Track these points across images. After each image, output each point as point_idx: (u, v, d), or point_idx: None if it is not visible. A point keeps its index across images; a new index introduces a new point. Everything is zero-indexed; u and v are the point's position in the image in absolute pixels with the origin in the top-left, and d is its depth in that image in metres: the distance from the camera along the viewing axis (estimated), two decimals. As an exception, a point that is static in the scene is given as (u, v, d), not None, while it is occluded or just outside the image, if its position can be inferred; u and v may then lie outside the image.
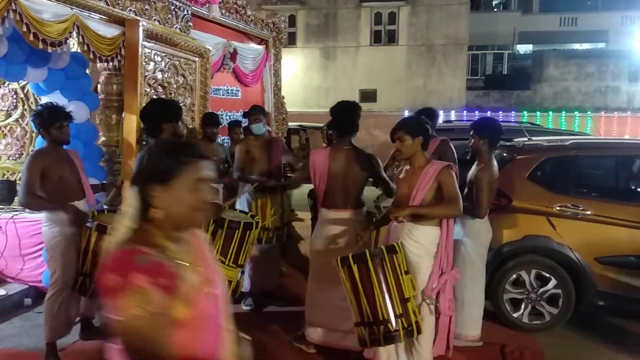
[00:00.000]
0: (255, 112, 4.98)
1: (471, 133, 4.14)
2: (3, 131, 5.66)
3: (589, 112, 18.33)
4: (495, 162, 4.12)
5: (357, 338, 3.23)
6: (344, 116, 3.87)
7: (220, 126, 5.46)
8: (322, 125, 7.99)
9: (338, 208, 3.84)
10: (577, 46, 24.25)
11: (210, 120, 5.00)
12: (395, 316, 3.07)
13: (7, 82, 5.46)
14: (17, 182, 5.18)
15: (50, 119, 3.67)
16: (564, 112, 18.16)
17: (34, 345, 3.99)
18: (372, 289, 3.07)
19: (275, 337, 4.31)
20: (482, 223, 4.08)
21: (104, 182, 4.56)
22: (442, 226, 3.32)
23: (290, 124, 9.05)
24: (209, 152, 4.87)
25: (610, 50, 22.51)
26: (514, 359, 3.99)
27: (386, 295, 3.07)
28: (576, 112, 18.19)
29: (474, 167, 4.13)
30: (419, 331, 3.15)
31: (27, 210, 4.98)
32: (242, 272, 3.69)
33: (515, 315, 4.49)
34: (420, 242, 3.28)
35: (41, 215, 3.84)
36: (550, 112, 18.12)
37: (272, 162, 4.97)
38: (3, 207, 5.13)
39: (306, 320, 3.99)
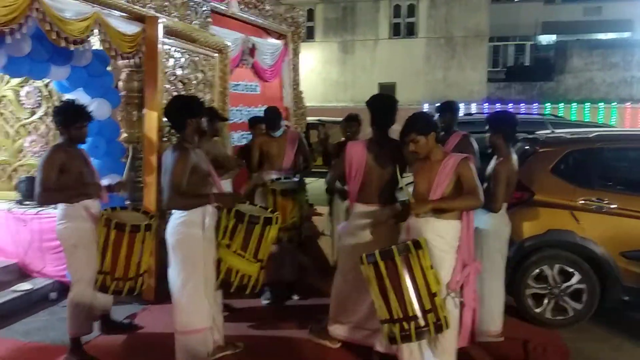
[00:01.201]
0: (277, 119, 5.01)
1: (486, 127, 4.10)
2: (28, 128, 5.76)
3: (613, 103, 17.94)
4: (514, 156, 4.05)
5: (384, 336, 3.21)
6: (383, 110, 3.82)
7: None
8: (341, 119, 7.97)
9: (374, 203, 3.79)
10: (601, 36, 23.72)
11: (215, 114, 4.82)
12: (425, 311, 3.04)
13: (31, 80, 5.55)
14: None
15: (72, 118, 3.68)
16: (588, 104, 17.81)
17: (60, 339, 4.06)
18: (400, 285, 3.04)
19: (295, 330, 4.32)
20: (500, 217, 4.03)
21: (114, 183, 4.56)
22: (463, 219, 3.28)
23: (308, 118, 9.05)
24: (211, 148, 4.87)
25: (635, 39, 21.98)
26: (537, 355, 3.94)
27: (413, 291, 3.05)
28: (600, 104, 17.82)
29: (493, 161, 4.08)
30: (447, 325, 3.12)
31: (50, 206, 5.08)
32: (262, 268, 3.69)
33: (537, 310, 4.43)
34: (443, 237, 3.25)
35: (55, 212, 3.83)
36: (574, 104, 17.79)
37: (287, 155, 4.99)
38: (28, 203, 5.23)
39: (330, 317, 3.98)
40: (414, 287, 3.05)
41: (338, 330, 3.93)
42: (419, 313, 3.04)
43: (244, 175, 5.50)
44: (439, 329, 3.09)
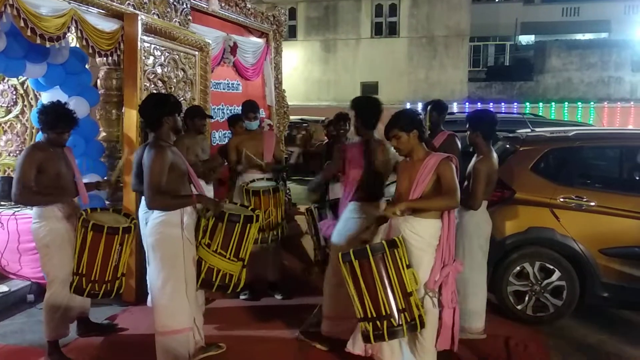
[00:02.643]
0: (252, 111, 5.00)
1: (467, 126, 4.13)
2: (3, 127, 5.64)
3: (591, 103, 18.23)
4: (494, 154, 4.09)
5: (360, 334, 3.21)
6: (373, 111, 3.86)
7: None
8: (323, 118, 7.96)
9: (370, 200, 3.83)
10: (579, 36, 24.13)
11: (199, 112, 4.82)
12: (398, 310, 3.06)
13: (6, 78, 5.43)
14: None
15: (53, 122, 3.65)
16: (566, 103, 18.07)
17: (37, 341, 3.98)
18: (374, 284, 3.05)
19: (278, 329, 4.30)
20: (481, 215, 4.06)
21: (98, 180, 4.50)
22: (444, 218, 3.29)
23: (291, 117, 9.02)
24: (196, 146, 4.85)
25: (613, 40, 22.40)
26: (518, 351, 3.97)
27: (388, 290, 3.06)
28: (579, 103, 18.09)
29: (473, 159, 4.11)
30: (422, 325, 3.13)
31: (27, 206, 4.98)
32: (244, 266, 3.66)
33: (519, 307, 4.47)
34: (421, 235, 3.25)
35: (31, 212, 3.78)
36: (553, 103, 18.05)
37: (265, 155, 4.96)
38: (4, 203, 5.12)
39: (325, 316, 3.93)
40: (389, 286, 3.07)
41: (330, 326, 3.87)
42: (393, 312, 3.05)
43: (224, 176, 5.46)
44: (412, 328, 3.10)
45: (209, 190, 4.64)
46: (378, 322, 3.06)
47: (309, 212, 4.57)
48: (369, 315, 3.08)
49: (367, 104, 3.92)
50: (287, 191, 7.66)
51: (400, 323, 3.05)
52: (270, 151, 5.04)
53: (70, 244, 3.63)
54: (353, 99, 4.04)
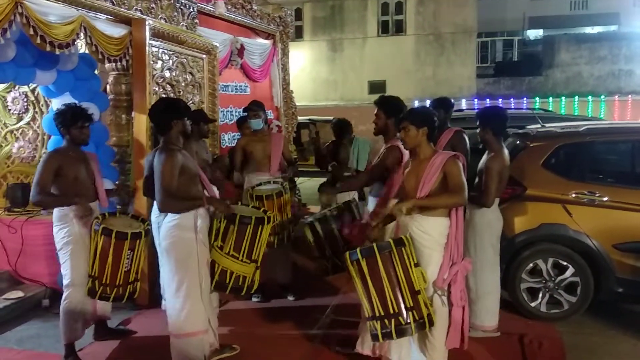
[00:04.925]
0: (255, 107, 4.98)
1: (477, 123, 4.11)
2: (15, 134, 5.70)
3: (602, 97, 18.05)
4: (505, 151, 4.07)
5: (368, 333, 3.21)
6: (401, 110, 3.80)
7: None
8: (332, 118, 7.97)
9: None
10: (588, 30, 23.88)
11: (203, 116, 4.83)
12: (406, 309, 3.06)
13: (17, 86, 5.48)
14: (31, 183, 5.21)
15: (72, 119, 3.73)
16: (576, 97, 17.91)
17: (53, 346, 4.02)
18: (381, 283, 3.06)
19: (291, 330, 4.31)
20: (492, 212, 4.04)
21: (116, 187, 4.56)
22: (452, 216, 3.27)
23: (299, 118, 9.03)
24: (202, 150, 4.82)
25: (622, 32, 22.13)
26: (532, 348, 3.95)
27: (396, 288, 3.06)
28: (589, 97, 17.89)
29: (484, 157, 4.09)
30: (431, 323, 3.13)
31: (42, 211, 5.03)
32: (257, 268, 3.67)
33: (533, 304, 4.44)
34: (429, 234, 3.25)
35: (48, 217, 3.86)
36: (563, 98, 17.90)
37: (272, 157, 4.95)
38: (18, 209, 5.17)
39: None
40: (397, 285, 3.07)
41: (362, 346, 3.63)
42: (401, 310, 3.06)
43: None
44: (421, 326, 3.10)
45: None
46: (386, 321, 3.06)
47: (312, 225, 4.09)
48: (377, 314, 3.09)
49: (398, 102, 3.85)
50: (297, 191, 7.67)
51: (409, 321, 3.05)
52: (278, 153, 5.02)
53: (86, 248, 3.67)
54: (381, 97, 4.00)
